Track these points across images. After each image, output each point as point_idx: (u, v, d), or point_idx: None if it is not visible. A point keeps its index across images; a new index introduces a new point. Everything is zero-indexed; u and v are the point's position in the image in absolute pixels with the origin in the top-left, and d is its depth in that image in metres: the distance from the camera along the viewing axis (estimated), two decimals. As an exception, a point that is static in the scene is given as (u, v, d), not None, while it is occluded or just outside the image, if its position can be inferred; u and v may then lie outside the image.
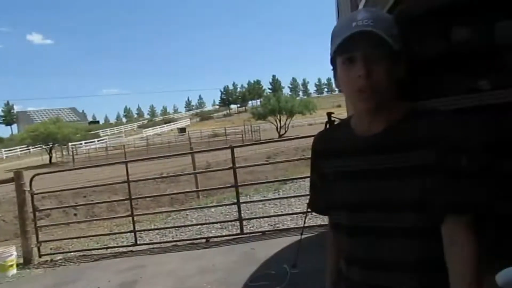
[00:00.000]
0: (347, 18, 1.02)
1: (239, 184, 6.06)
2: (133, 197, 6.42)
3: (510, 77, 3.86)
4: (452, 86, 3.95)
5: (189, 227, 6.79)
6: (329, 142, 1.16)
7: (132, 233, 6.27)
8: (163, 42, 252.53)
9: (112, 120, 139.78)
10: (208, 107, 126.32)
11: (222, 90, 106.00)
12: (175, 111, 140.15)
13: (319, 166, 1.18)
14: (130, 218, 6.34)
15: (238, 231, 5.95)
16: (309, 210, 1.30)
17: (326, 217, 1.27)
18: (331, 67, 1.08)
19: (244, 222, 6.12)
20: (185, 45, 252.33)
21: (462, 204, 0.95)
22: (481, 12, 3.78)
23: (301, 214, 6.20)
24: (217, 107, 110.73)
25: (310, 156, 1.24)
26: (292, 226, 5.97)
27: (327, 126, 1.27)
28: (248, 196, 9.08)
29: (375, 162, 1.03)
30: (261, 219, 6.63)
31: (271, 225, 6.36)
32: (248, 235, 5.86)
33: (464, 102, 3.86)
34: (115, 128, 74.27)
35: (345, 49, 1.00)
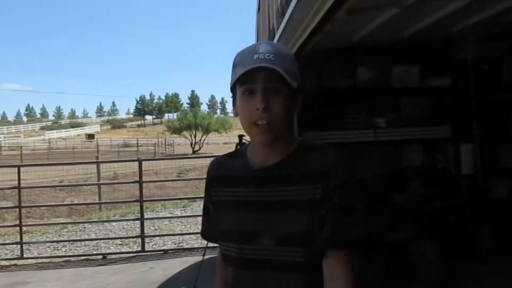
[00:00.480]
0: (250, 49, 1.03)
1: (145, 199, 5.85)
2: (25, 205, 5.86)
3: (402, 118, 4.32)
4: (354, 121, 4.30)
5: (86, 242, 6.36)
6: (224, 169, 1.15)
7: (18, 245, 5.69)
8: (77, 42, 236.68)
9: (11, 118, 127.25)
10: (122, 115, 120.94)
11: (138, 99, 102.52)
12: (85, 115, 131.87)
13: (212, 193, 1.17)
14: (18, 228, 5.75)
15: (139, 249, 5.71)
16: None
17: None
18: (231, 94, 1.08)
19: (147, 239, 5.89)
20: (101, 47, 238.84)
21: (338, 241, 0.98)
22: (381, 56, 4.19)
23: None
24: (131, 116, 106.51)
25: None
26: (196, 245, 5.89)
27: (238, 147, 1.26)
28: (155, 211, 8.80)
29: (266, 193, 1.04)
30: (165, 237, 6.44)
31: (175, 244, 6.21)
32: (149, 253, 5.65)
33: (362, 137, 4.21)
34: (13, 127, 67.59)
35: (245, 80, 1.00)
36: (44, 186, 8.95)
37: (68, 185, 10.41)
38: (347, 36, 3.56)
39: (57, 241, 6.41)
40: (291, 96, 1.03)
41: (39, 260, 5.57)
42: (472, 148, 4.44)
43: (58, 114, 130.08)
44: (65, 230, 7.40)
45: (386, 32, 3.50)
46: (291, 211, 1.01)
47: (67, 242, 6.36)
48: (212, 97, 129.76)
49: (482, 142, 4.34)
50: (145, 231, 5.86)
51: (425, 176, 4.36)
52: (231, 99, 1.09)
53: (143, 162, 6.01)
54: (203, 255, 4.14)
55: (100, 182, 9.50)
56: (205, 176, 1.22)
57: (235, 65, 1.04)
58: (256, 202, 1.05)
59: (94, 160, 9.70)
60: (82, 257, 5.60)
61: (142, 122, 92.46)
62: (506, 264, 3.60)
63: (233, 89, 1.07)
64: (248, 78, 1.00)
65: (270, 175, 1.05)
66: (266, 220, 1.03)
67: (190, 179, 8.61)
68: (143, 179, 5.91)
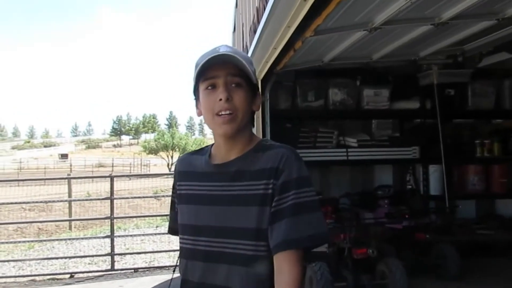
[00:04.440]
0: (210, 50, 1.10)
1: (115, 216, 5.75)
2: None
3: (372, 138, 4.45)
4: (326, 140, 4.40)
5: (53, 261, 6.14)
6: (188, 165, 1.20)
7: (-20, 265, 5.46)
8: (53, 60, 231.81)
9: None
10: (98, 135, 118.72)
11: (115, 119, 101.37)
12: (59, 135, 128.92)
13: (176, 187, 1.22)
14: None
15: (109, 267, 5.56)
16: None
17: None
18: (193, 97, 1.14)
19: (117, 258, 5.75)
20: (78, 65, 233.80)
21: (289, 242, 1.01)
22: (352, 79, 4.34)
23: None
24: (107, 136, 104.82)
25: None
26: (168, 264, 5.78)
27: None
28: (127, 230, 8.61)
29: (222, 188, 1.09)
30: (136, 255, 6.31)
31: (146, 262, 6.08)
32: (119, 271, 5.51)
33: (334, 155, 4.31)
34: (-19, 146, 65.34)
35: (207, 76, 1.06)
36: (11, 203, 8.63)
37: (36, 202, 10.08)
38: (318, 57, 3.68)
39: (22, 260, 6.18)
40: (251, 92, 1.10)
41: (2, 280, 5.35)
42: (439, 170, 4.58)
43: (31, 133, 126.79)
44: (32, 250, 7.15)
45: (355, 55, 3.64)
46: (244, 206, 1.06)
47: (33, 262, 6.13)
48: (191, 118, 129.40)
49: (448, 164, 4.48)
50: (116, 250, 5.72)
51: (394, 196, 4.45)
52: (194, 101, 1.14)
53: (117, 182, 5.94)
54: (173, 272, 4.09)
55: (71, 199, 9.25)
56: None
57: (196, 66, 1.10)
58: (212, 196, 1.10)
59: (65, 177, 9.48)
60: (49, 277, 5.41)
61: (118, 142, 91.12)
62: (466, 284, 3.72)
63: (195, 92, 1.13)
64: (210, 73, 1.06)
65: (228, 170, 1.10)
66: (220, 213, 1.08)
67: (166, 196, 8.43)
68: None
